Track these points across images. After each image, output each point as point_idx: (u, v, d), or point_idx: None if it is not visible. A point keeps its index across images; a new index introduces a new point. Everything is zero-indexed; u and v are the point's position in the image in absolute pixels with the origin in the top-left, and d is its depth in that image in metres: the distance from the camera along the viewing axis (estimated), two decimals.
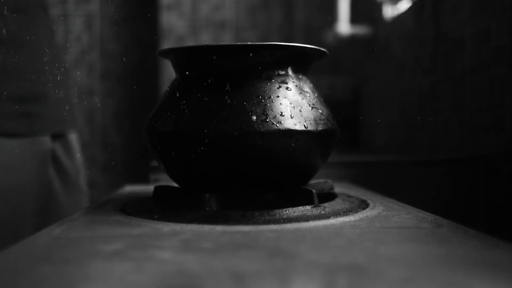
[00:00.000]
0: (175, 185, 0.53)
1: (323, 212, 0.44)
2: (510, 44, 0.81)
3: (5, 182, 0.68)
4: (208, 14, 1.79)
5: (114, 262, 0.31)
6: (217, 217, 0.42)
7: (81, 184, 0.84)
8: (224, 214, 0.43)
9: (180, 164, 0.49)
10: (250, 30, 1.79)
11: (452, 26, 1.01)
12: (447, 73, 1.03)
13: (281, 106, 0.46)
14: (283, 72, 0.49)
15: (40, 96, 0.74)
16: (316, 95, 0.51)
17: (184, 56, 0.51)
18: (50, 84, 0.76)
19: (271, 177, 0.48)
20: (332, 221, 0.42)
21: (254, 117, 0.45)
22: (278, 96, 0.47)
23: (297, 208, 0.44)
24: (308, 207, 0.45)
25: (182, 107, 0.47)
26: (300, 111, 0.47)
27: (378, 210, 0.47)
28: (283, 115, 0.46)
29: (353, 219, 0.43)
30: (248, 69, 0.48)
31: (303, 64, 0.51)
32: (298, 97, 0.48)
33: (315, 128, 0.47)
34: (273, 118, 0.45)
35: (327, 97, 0.54)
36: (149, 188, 0.60)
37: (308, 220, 0.42)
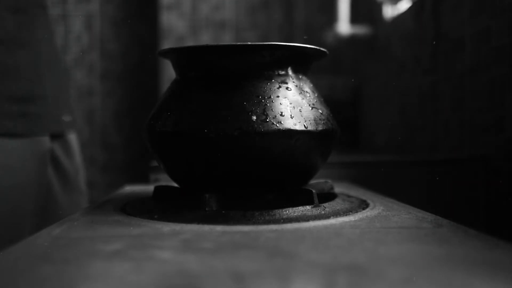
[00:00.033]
0: (175, 185, 0.53)
1: (323, 212, 0.44)
2: (510, 44, 0.81)
3: (4, 182, 0.68)
4: (208, 14, 1.79)
5: (114, 262, 0.31)
6: (217, 217, 0.42)
7: (80, 184, 0.84)
8: (224, 214, 0.43)
9: (180, 164, 0.49)
10: (250, 30, 1.79)
11: (452, 26, 1.01)
12: (447, 73, 1.03)
13: (281, 106, 0.46)
14: (283, 72, 0.49)
15: (39, 96, 0.74)
16: (316, 95, 0.51)
17: (184, 56, 0.51)
18: (49, 84, 0.76)
19: (271, 177, 0.48)
20: (332, 221, 0.42)
21: (254, 117, 0.45)
22: (278, 96, 0.47)
23: (297, 208, 0.44)
24: (308, 207, 0.45)
25: (182, 107, 0.47)
26: (300, 111, 0.47)
27: (378, 210, 0.47)
28: (283, 115, 0.46)
29: (353, 219, 0.43)
30: (248, 69, 0.48)
31: (303, 64, 0.51)
32: (298, 97, 0.48)
33: (315, 128, 0.47)
34: (273, 118, 0.45)
35: (327, 97, 0.54)
36: (149, 188, 0.60)
37: (308, 220, 0.42)
